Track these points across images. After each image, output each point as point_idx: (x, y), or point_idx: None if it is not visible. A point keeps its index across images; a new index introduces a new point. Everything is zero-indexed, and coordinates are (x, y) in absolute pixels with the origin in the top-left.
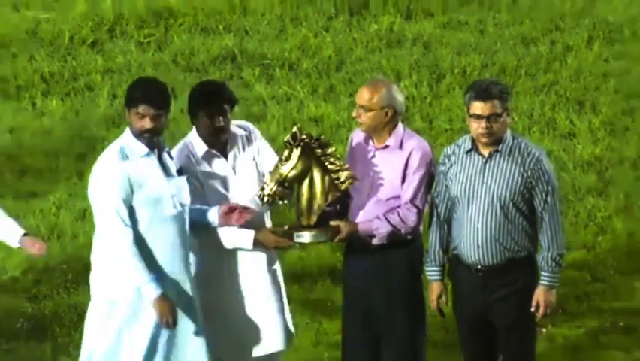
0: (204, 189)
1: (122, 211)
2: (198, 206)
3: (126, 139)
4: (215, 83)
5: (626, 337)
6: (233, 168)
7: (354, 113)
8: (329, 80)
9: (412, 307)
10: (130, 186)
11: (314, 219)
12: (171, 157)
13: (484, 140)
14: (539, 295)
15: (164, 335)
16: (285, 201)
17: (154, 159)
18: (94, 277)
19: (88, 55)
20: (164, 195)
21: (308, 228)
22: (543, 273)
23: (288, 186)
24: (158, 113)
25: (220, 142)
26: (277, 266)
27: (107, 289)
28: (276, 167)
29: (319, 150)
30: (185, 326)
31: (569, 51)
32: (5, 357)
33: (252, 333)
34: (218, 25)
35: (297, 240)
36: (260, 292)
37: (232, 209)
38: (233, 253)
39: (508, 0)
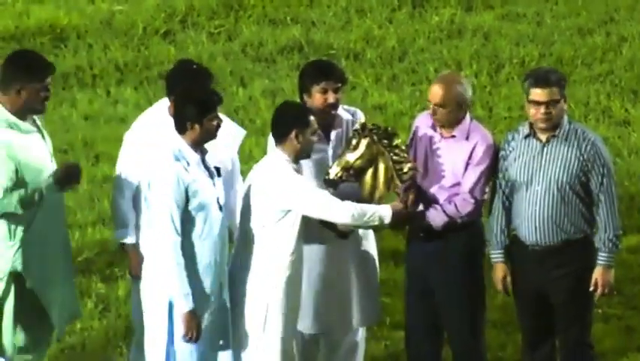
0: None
1: (176, 218)
2: None
3: (177, 145)
4: (330, 60)
5: None
6: (334, 149)
7: (429, 112)
8: (392, 70)
9: (470, 289)
10: (185, 193)
11: None
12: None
13: (542, 125)
14: (597, 274)
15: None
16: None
17: (200, 163)
18: (147, 270)
19: (160, 45)
20: (212, 200)
21: None
22: (601, 253)
23: (352, 173)
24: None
25: (328, 119)
26: (372, 245)
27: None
28: (343, 153)
29: (385, 141)
30: (215, 339)
31: (623, 42)
32: (80, 336)
33: (348, 308)
34: (285, 17)
35: None
36: (354, 270)
37: None
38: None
39: None
